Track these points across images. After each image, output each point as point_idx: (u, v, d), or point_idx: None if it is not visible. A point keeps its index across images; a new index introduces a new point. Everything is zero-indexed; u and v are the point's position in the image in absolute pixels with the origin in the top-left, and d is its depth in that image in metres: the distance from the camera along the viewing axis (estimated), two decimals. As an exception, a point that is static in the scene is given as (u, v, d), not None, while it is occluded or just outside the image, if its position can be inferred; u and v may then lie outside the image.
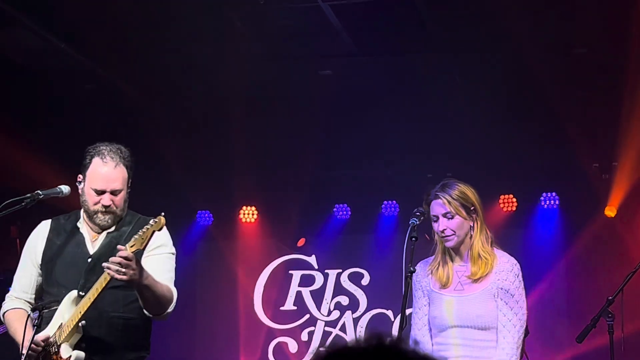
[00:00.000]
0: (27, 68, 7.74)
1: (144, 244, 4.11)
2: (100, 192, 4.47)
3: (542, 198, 9.00)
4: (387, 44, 7.41)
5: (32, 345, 4.28)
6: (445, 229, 4.52)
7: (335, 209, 9.53)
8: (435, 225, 4.57)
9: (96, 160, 4.50)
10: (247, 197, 9.62)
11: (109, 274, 4.08)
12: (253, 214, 9.70)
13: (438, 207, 4.55)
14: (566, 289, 8.67)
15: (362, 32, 7.19)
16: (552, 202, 8.97)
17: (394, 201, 9.30)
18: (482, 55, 7.35)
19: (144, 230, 4.09)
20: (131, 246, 4.08)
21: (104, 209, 4.47)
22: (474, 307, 4.51)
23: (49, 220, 4.70)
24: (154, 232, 4.10)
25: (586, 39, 7.10)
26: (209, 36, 7.12)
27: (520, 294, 4.59)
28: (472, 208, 4.55)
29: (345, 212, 9.54)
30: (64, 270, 4.46)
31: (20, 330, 4.38)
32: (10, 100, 8.04)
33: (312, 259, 9.53)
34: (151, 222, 4.13)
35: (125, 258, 4.03)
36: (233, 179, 9.32)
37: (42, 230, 4.67)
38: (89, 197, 4.48)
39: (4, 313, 4.61)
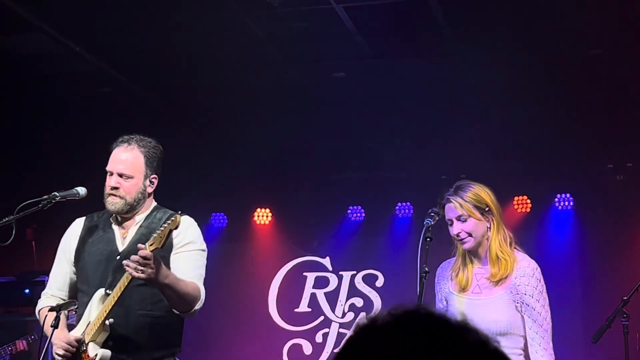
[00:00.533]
0: (41, 72, 7.78)
1: (162, 243, 4.09)
2: (110, 174, 4.49)
3: (556, 199, 8.98)
4: (401, 46, 7.42)
5: (67, 345, 4.31)
6: (459, 232, 4.49)
7: (349, 211, 9.54)
8: (450, 229, 4.53)
9: (115, 146, 4.54)
10: (261, 199, 9.64)
11: (127, 271, 4.10)
12: (267, 216, 9.72)
13: (451, 211, 4.51)
14: (581, 290, 8.66)
15: (376, 34, 7.21)
16: (567, 203, 8.95)
17: (408, 203, 9.30)
18: (497, 57, 7.35)
19: (161, 229, 4.10)
20: (150, 244, 4.08)
21: (110, 191, 4.48)
22: (491, 312, 4.44)
23: (83, 218, 4.72)
24: (170, 230, 4.10)
25: (602, 39, 7.10)
26: (224, 39, 7.14)
27: (545, 299, 4.50)
28: (486, 209, 4.51)
29: (359, 214, 9.54)
30: (94, 267, 4.48)
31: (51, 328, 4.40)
32: (26, 103, 8.09)
33: (327, 261, 9.54)
34: (168, 221, 4.14)
35: (144, 257, 4.02)
36: (247, 181, 9.34)
37: (75, 228, 4.69)
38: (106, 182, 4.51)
39: (39, 310, 4.63)
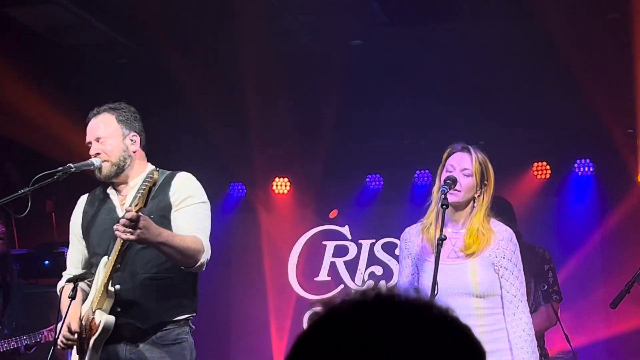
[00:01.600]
0: (59, 43, 7.78)
1: (145, 201, 4.13)
2: (89, 144, 4.54)
3: (576, 165, 8.93)
4: (419, 13, 7.37)
5: (64, 339, 4.34)
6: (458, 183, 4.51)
7: (367, 179, 9.52)
8: (446, 174, 4.53)
9: (87, 121, 4.61)
10: (279, 168, 9.64)
11: (117, 235, 4.13)
12: (286, 185, 9.72)
13: (463, 160, 4.52)
14: (600, 256, 8.62)
15: (393, 1, 7.17)
16: (587, 168, 8.89)
17: (427, 170, 9.27)
18: (514, 23, 7.29)
19: (143, 189, 4.12)
20: (135, 205, 4.11)
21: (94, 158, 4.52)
22: (472, 274, 4.46)
23: (86, 195, 4.77)
24: (150, 188, 4.12)
25: (620, 3, 7.03)
26: (239, 7, 7.12)
27: (520, 263, 4.56)
28: (485, 182, 4.53)
29: (377, 182, 9.53)
30: (99, 238, 4.51)
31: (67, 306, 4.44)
32: (44, 75, 8.10)
33: (346, 230, 9.54)
34: (146, 180, 4.17)
35: (130, 219, 4.05)
36: (265, 150, 9.34)
37: (79, 205, 4.74)
38: None
39: (60, 290, 4.66)
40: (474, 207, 4.54)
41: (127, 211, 4.10)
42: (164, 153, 8.23)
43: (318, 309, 1.33)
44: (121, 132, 4.57)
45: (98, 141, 4.54)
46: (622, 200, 8.62)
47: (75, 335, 4.35)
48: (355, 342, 1.24)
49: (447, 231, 4.53)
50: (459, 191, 4.49)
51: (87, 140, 4.59)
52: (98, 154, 4.53)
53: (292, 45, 7.81)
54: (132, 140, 4.59)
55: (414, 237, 4.65)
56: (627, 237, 8.38)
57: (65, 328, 4.36)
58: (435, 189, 4.61)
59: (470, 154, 4.53)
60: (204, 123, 8.89)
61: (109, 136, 4.54)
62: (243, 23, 7.37)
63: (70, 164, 4.53)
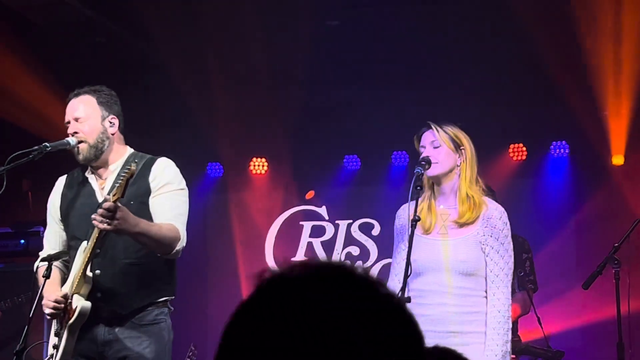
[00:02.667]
0: (37, 22, 7.74)
1: (122, 192, 4.13)
2: (67, 124, 4.55)
3: (552, 147, 8.98)
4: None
5: (55, 303, 4.36)
6: (429, 155, 4.55)
7: (345, 160, 9.54)
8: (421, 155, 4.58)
9: (67, 101, 4.61)
10: (257, 148, 9.64)
11: (94, 225, 4.15)
12: (263, 166, 9.72)
13: (427, 136, 4.60)
14: (575, 237, 8.69)
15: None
16: (562, 150, 8.95)
17: (404, 151, 9.30)
18: (489, 3, 7.31)
19: (121, 178, 4.14)
20: (113, 194, 4.12)
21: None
22: (459, 252, 4.47)
23: (65, 176, 4.76)
24: (128, 179, 4.13)
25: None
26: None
27: (509, 243, 4.57)
28: (461, 147, 4.57)
29: (355, 163, 9.54)
30: (78, 222, 4.52)
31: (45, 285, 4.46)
32: (24, 52, 8.06)
33: (323, 210, 9.56)
34: (125, 170, 4.17)
35: (107, 209, 4.07)
36: (243, 131, 9.33)
37: (58, 186, 4.74)
38: None
39: (36, 270, 4.67)
40: (459, 173, 4.57)
41: (105, 200, 4.12)
42: (142, 133, 8.22)
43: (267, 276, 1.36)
44: (100, 113, 4.58)
45: (77, 121, 4.55)
46: (597, 182, 8.69)
47: (62, 305, 4.37)
48: (292, 310, 1.28)
49: (440, 207, 4.57)
50: (436, 162, 4.54)
51: (66, 119, 4.59)
52: (76, 132, 4.54)
53: (268, 26, 7.79)
54: (111, 122, 4.60)
55: (405, 215, 4.67)
56: (600, 218, 8.44)
57: (51, 298, 4.37)
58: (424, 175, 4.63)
59: (432, 128, 4.60)
60: (181, 103, 8.86)
61: (88, 117, 4.55)
62: (218, 5, 7.35)
63: (46, 143, 4.52)
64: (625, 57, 7.95)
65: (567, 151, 8.94)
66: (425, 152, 4.57)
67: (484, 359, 4.37)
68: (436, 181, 4.59)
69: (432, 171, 4.54)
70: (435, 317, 4.42)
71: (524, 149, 9.07)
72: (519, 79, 8.37)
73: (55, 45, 8.05)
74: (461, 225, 4.51)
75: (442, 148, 4.56)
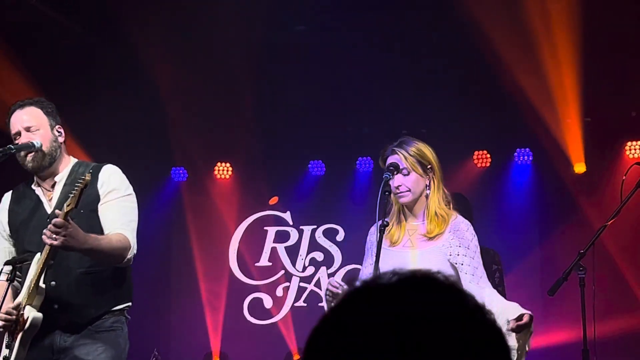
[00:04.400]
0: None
1: (76, 202, 4.12)
2: (17, 135, 4.51)
3: (516, 154, 9.03)
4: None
5: (6, 315, 4.32)
6: (400, 185, 4.49)
7: (309, 165, 9.53)
8: (390, 182, 4.49)
9: (10, 114, 4.57)
10: (221, 153, 9.60)
11: (43, 240, 4.13)
12: (228, 170, 9.69)
13: (395, 162, 4.52)
14: (538, 243, 8.74)
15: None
16: (526, 157, 9.01)
17: (369, 157, 9.31)
18: (453, 13, 7.34)
19: (75, 189, 4.12)
20: (67, 205, 4.10)
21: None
22: (424, 264, 4.45)
23: (10, 191, 4.75)
24: (82, 190, 4.11)
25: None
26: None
27: (479, 255, 4.54)
28: (429, 166, 4.51)
29: (319, 169, 9.54)
30: (29, 235, 4.50)
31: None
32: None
33: (287, 215, 9.54)
34: (79, 180, 4.14)
35: (56, 225, 4.06)
36: (207, 135, 9.29)
37: (4, 203, 4.71)
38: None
39: None
40: (428, 193, 4.55)
41: (55, 215, 4.11)
42: (105, 137, 8.16)
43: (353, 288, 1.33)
44: (48, 122, 4.57)
45: (28, 130, 4.52)
46: (560, 189, 8.74)
47: (13, 317, 4.32)
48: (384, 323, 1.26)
49: (408, 224, 4.55)
50: (408, 191, 4.50)
51: (15, 131, 4.55)
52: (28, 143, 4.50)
53: (234, 31, 7.77)
54: (58, 132, 4.62)
55: (373, 233, 4.66)
56: (565, 225, 8.50)
57: (2, 310, 4.33)
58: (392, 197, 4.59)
59: (398, 154, 4.50)
60: (144, 107, 8.80)
61: (39, 125, 4.54)
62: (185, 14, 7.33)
63: (10, 145, 4.48)
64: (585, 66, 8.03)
65: (530, 158, 9.00)
66: (395, 181, 4.47)
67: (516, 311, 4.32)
68: (407, 206, 4.57)
69: (404, 200, 4.50)
70: None
71: (488, 155, 9.11)
72: (484, 87, 8.40)
73: (26, 44, 7.97)
74: (429, 237, 4.50)
75: (411, 175, 4.50)
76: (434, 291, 1.31)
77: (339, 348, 1.26)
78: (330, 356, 1.27)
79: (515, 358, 4.29)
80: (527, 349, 4.34)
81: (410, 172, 4.47)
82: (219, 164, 9.67)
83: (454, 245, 4.47)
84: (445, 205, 4.55)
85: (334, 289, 4.29)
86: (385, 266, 4.37)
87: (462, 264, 4.46)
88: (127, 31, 7.82)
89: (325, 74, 8.54)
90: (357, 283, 1.34)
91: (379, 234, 4.34)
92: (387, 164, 4.54)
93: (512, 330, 4.19)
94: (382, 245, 4.47)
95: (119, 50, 8.14)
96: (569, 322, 7.82)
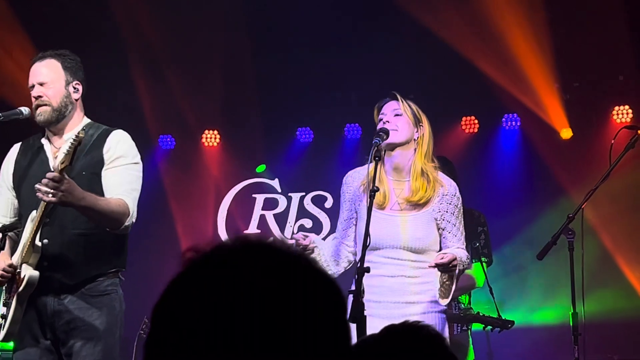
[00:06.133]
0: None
1: (70, 160, 4.09)
2: (32, 88, 4.49)
3: (503, 119, 9.03)
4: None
5: (2, 272, 4.30)
6: (389, 122, 4.56)
7: (298, 132, 9.51)
8: (380, 123, 4.60)
9: (31, 64, 4.55)
10: (209, 120, 9.56)
11: (38, 196, 4.10)
12: (216, 138, 9.66)
13: (390, 105, 4.63)
14: (527, 208, 8.74)
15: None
16: (514, 123, 9.01)
17: (357, 124, 9.30)
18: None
19: (69, 146, 4.08)
20: (61, 162, 4.07)
21: (36, 102, 4.49)
22: (413, 229, 4.52)
23: (20, 143, 4.70)
24: (76, 147, 4.08)
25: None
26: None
27: (462, 218, 4.68)
28: (420, 123, 4.60)
29: (308, 136, 9.52)
30: (29, 191, 4.44)
31: None
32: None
33: (275, 183, 9.53)
34: (73, 138, 4.11)
35: (52, 180, 4.02)
36: (195, 103, 9.25)
37: (12, 154, 4.68)
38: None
39: None
40: (415, 148, 4.60)
41: (52, 170, 4.07)
42: (93, 104, 8.11)
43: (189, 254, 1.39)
44: (65, 78, 4.54)
45: (42, 85, 4.49)
46: (548, 154, 8.75)
47: (9, 274, 4.32)
48: (227, 283, 1.31)
49: (391, 180, 4.59)
50: (395, 129, 4.55)
51: (30, 83, 4.54)
52: (40, 97, 4.48)
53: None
54: (75, 88, 4.56)
55: (355, 181, 4.69)
56: (553, 190, 8.52)
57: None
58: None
59: (397, 99, 4.66)
60: (132, 73, 8.76)
61: (53, 81, 4.50)
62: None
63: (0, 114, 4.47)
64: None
65: (518, 124, 8.99)
66: (385, 118, 4.59)
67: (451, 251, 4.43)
68: (391, 149, 4.59)
69: (391, 138, 4.55)
70: (394, 287, 4.48)
71: (476, 121, 9.11)
72: (471, 52, 8.38)
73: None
74: (416, 202, 4.55)
75: (403, 117, 4.60)
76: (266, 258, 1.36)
77: (179, 317, 1.31)
78: (173, 326, 1.31)
79: (440, 293, 4.48)
80: (453, 286, 4.47)
81: (402, 113, 4.56)
82: (206, 131, 9.64)
83: (442, 210, 4.53)
84: (432, 167, 4.60)
85: (302, 242, 4.44)
86: (375, 229, 4.40)
87: (449, 229, 4.54)
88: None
89: (312, 41, 8.50)
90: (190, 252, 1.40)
91: (369, 200, 4.35)
92: (377, 130, 4.56)
93: (436, 266, 4.39)
94: (366, 204, 4.51)
95: (104, 11, 8.08)
96: (556, 286, 7.86)
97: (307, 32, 8.38)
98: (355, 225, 4.66)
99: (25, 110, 4.49)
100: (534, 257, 5.35)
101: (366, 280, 4.32)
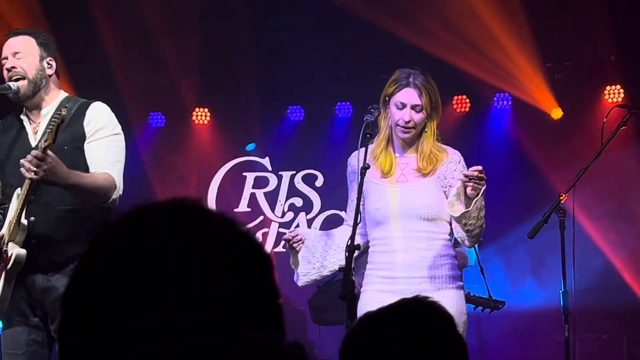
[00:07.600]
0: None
1: (53, 137, 4.06)
2: (5, 59, 4.47)
3: (495, 99, 9.01)
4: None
5: None
6: (410, 121, 4.48)
7: (288, 111, 9.48)
8: (397, 112, 4.49)
9: (6, 39, 4.55)
10: (200, 98, 9.52)
11: (22, 173, 4.07)
12: (206, 116, 9.62)
13: (412, 96, 4.47)
14: (518, 187, 8.74)
15: None
16: (505, 102, 8.99)
17: (348, 102, 9.27)
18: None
19: (52, 123, 4.06)
20: (45, 140, 4.05)
21: (9, 74, 4.47)
22: (422, 197, 4.47)
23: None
24: (59, 125, 4.05)
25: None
26: None
27: None
28: (434, 105, 4.51)
29: (298, 114, 9.49)
30: (12, 169, 4.42)
31: None
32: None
33: (266, 161, 9.51)
34: (56, 115, 4.10)
35: (35, 157, 4.00)
36: (185, 80, 9.21)
37: None
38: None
39: None
40: (424, 131, 4.54)
41: (36, 148, 4.05)
42: (82, 80, 8.07)
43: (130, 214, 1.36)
44: (39, 52, 4.50)
45: (15, 56, 4.46)
46: (539, 134, 8.75)
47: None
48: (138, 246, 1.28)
49: (396, 156, 4.54)
50: (413, 128, 4.48)
51: (3, 55, 4.51)
52: (14, 67, 4.45)
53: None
54: (49, 64, 4.53)
55: (356, 161, 4.64)
56: (544, 169, 8.52)
57: None
58: (381, 117, 4.57)
59: (421, 89, 4.47)
60: (124, 52, 8.71)
61: (27, 53, 4.49)
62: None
63: None
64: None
65: (509, 103, 8.98)
66: (406, 115, 4.45)
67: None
68: (404, 139, 4.55)
69: (408, 136, 4.49)
70: (409, 262, 4.41)
71: (467, 100, 9.09)
72: (462, 31, 8.35)
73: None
74: (422, 174, 4.50)
75: (422, 113, 4.48)
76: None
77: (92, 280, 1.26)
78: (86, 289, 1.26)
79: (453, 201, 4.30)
80: (477, 198, 4.28)
81: (422, 109, 4.46)
82: (197, 109, 9.60)
83: (448, 176, 4.48)
84: (439, 145, 4.56)
85: (288, 236, 4.46)
86: (381, 202, 4.39)
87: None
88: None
89: (302, 19, 8.46)
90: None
91: (359, 177, 4.33)
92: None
93: (465, 178, 4.21)
94: (373, 179, 4.48)
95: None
96: (548, 265, 7.88)
97: (298, 10, 8.35)
98: (363, 205, 4.62)
99: (13, 85, 4.45)
100: (524, 236, 5.34)
101: (378, 256, 4.33)
